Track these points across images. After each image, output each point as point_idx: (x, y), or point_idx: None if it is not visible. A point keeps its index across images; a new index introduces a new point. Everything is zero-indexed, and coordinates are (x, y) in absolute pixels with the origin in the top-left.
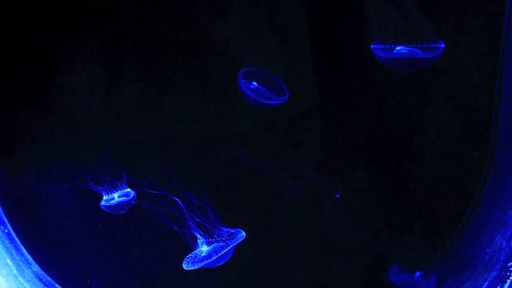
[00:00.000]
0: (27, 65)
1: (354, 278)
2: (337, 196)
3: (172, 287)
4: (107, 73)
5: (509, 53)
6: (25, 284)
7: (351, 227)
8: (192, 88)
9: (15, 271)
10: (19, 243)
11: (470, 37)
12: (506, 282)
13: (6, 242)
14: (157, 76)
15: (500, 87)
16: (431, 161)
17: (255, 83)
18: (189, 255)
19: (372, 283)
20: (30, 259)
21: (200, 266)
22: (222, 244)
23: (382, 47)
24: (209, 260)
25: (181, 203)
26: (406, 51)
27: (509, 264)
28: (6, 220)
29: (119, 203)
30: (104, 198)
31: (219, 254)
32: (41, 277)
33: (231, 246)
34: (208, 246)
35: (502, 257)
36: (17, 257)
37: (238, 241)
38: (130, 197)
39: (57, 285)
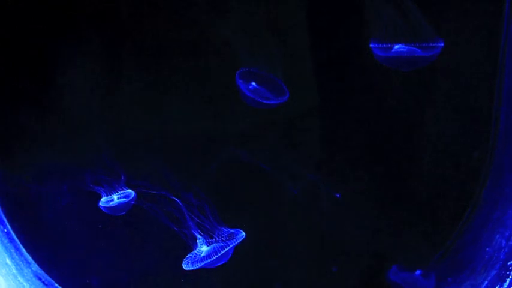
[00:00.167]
0: (27, 65)
1: (354, 277)
2: (337, 196)
3: (171, 287)
4: (106, 73)
5: (508, 52)
6: (24, 284)
7: (351, 227)
8: (192, 88)
9: (14, 270)
10: (18, 242)
11: (469, 36)
12: (505, 281)
13: (6, 241)
14: (157, 76)
15: (499, 86)
16: (431, 160)
17: (253, 83)
18: (189, 255)
19: (371, 283)
20: (30, 258)
21: (200, 266)
22: (222, 244)
23: (381, 45)
24: (209, 260)
25: (181, 203)
26: (405, 49)
27: (508, 263)
28: (5, 219)
29: (119, 204)
30: (103, 199)
31: (219, 254)
32: (40, 277)
33: (230, 246)
34: (208, 246)
35: (501, 256)
36: (16, 257)
37: (238, 241)
38: (129, 198)
39: (56, 284)
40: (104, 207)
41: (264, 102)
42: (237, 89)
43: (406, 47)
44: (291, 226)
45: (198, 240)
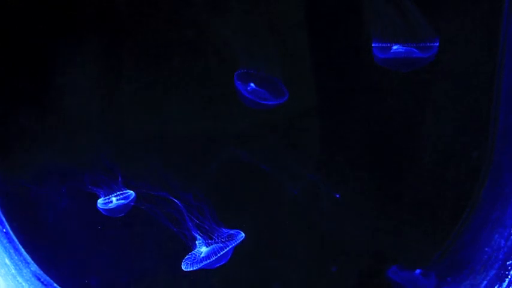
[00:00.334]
0: (26, 65)
1: (354, 277)
2: (337, 196)
3: (171, 287)
4: (106, 73)
5: (507, 52)
6: (23, 284)
7: (351, 227)
8: (192, 88)
9: (13, 271)
10: (17, 242)
11: (469, 36)
12: (504, 281)
13: (5, 241)
14: (157, 76)
15: (499, 86)
16: (430, 160)
17: (252, 84)
18: (188, 256)
19: (371, 283)
20: (29, 258)
21: (199, 266)
22: (221, 245)
23: (379, 45)
24: (208, 261)
25: (180, 204)
26: (403, 50)
27: (507, 263)
28: (4, 219)
29: (117, 206)
30: (102, 201)
31: (218, 255)
32: (40, 277)
33: (230, 247)
34: (207, 247)
35: (500, 256)
36: (16, 257)
37: (237, 242)
38: (128, 200)
39: (55, 284)
40: (103, 209)
41: (263, 103)
42: (236, 90)
43: (404, 47)
44: (291, 226)
45: (197, 241)
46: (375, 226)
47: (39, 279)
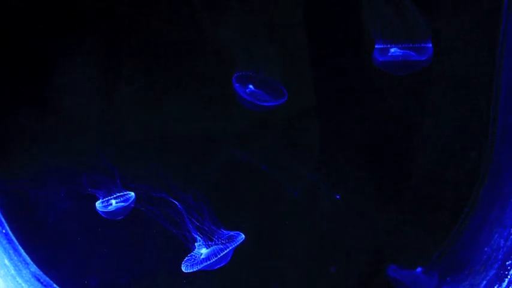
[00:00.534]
0: (26, 65)
1: (354, 277)
2: (337, 197)
3: None
4: (106, 74)
5: (506, 52)
6: (23, 285)
7: (351, 227)
8: (191, 89)
9: (13, 271)
10: (17, 243)
11: (468, 36)
12: (504, 281)
13: (4, 242)
14: (157, 76)
15: (498, 86)
16: (429, 160)
17: (251, 86)
18: (188, 257)
19: (371, 283)
20: (28, 259)
21: (199, 268)
22: (221, 246)
23: (378, 47)
24: (208, 262)
25: (180, 206)
26: (400, 53)
27: (507, 263)
28: (4, 220)
29: (117, 209)
30: (101, 204)
31: (218, 256)
32: (39, 277)
33: (230, 248)
34: (207, 248)
35: (500, 256)
36: (15, 257)
37: (237, 243)
38: (128, 203)
39: (55, 285)
40: (102, 212)
41: (262, 104)
42: (235, 92)
43: (402, 50)
44: (291, 226)
45: (197, 243)
46: (375, 226)
47: (38, 280)
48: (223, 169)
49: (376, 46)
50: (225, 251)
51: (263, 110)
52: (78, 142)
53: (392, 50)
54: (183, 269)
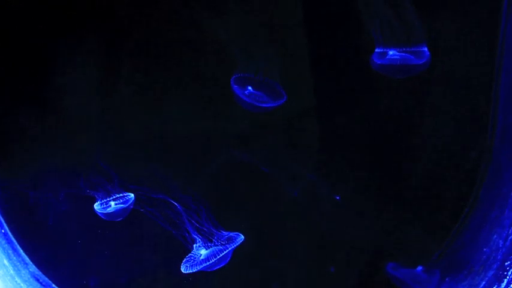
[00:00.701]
0: (25, 65)
1: (354, 277)
2: (337, 198)
3: None
4: (106, 73)
5: (506, 53)
6: (22, 285)
7: (350, 227)
8: (191, 89)
9: (12, 271)
10: (16, 243)
11: (467, 37)
12: (503, 281)
13: (3, 242)
14: (157, 77)
15: (497, 86)
16: (428, 161)
17: (250, 87)
18: (188, 258)
19: (371, 283)
20: (27, 259)
21: (198, 269)
22: (221, 247)
23: (377, 50)
24: (207, 263)
25: (179, 207)
26: (398, 57)
27: (506, 263)
28: (3, 220)
29: (116, 211)
30: (99, 206)
31: (218, 257)
32: (38, 277)
33: (229, 249)
34: (206, 249)
35: (499, 256)
36: (14, 258)
37: (237, 244)
38: (127, 204)
39: (54, 285)
40: (102, 213)
41: (261, 106)
42: (234, 93)
43: (400, 54)
44: (291, 227)
45: (196, 244)
46: (375, 226)
47: (37, 280)
48: (223, 169)
49: (375, 49)
50: (225, 252)
51: (262, 111)
52: (78, 142)
53: (390, 53)
54: (183, 269)
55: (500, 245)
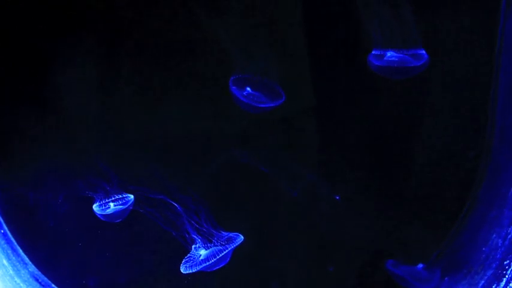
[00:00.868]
0: (25, 65)
1: (353, 277)
2: (337, 198)
3: None
4: (105, 74)
5: (504, 52)
6: (21, 285)
7: (349, 227)
8: (191, 89)
9: (11, 271)
10: (15, 243)
11: (466, 37)
12: (502, 280)
13: (2, 242)
14: (156, 77)
15: (496, 86)
16: (428, 160)
17: (248, 88)
18: (187, 258)
19: (370, 282)
20: (27, 259)
21: (198, 269)
22: (220, 248)
23: (375, 53)
24: (207, 263)
25: (179, 207)
26: (396, 59)
27: (505, 262)
28: (2, 220)
29: (115, 212)
30: (99, 207)
31: (217, 257)
32: (37, 277)
33: (228, 249)
34: (206, 250)
35: (498, 256)
36: (13, 258)
37: (236, 245)
38: (126, 206)
39: (53, 285)
40: (101, 215)
41: (260, 106)
42: (232, 95)
43: (398, 55)
44: (291, 227)
45: (196, 244)
46: (374, 226)
47: (37, 280)
48: (223, 169)
49: (372, 51)
50: (224, 252)
51: (261, 112)
52: (78, 142)
53: (388, 54)
54: (182, 270)
55: (499, 244)
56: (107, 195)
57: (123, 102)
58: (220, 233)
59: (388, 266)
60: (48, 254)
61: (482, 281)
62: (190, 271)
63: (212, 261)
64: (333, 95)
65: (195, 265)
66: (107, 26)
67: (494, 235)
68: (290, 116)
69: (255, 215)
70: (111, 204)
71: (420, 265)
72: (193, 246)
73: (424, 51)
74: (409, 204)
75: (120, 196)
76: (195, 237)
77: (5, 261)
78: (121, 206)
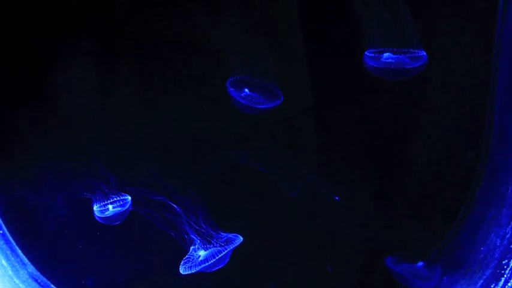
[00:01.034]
0: (25, 65)
1: (353, 277)
2: (337, 198)
3: None
4: (105, 74)
5: (502, 53)
6: (20, 285)
7: (348, 227)
8: (190, 89)
9: (10, 272)
10: (14, 244)
11: (464, 37)
12: (500, 280)
13: (1, 243)
14: (155, 77)
15: (494, 86)
16: (426, 160)
17: (246, 90)
18: (186, 259)
19: (370, 282)
20: (26, 260)
21: (197, 269)
22: (219, 249)
23: (372, 55)
24: (206, 264)
25: (178, 208)
26: (393, 60)
27: (503, 262)
28: (1, 221)
29: (114, 214)
30: (99, 208)
31: (216, 258)
32: (36, 278)
33: (228, 250)
34: (205, 250)
35: (496, 255)
36: (12, 258)
37: (235, 245)
38: (125, 208)
39: (52, 285)
40: (99, 217)
41: (258, 107)
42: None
43: (395, 56)
44: (290, 227)
45: (195, 245)
46: (373, 226)
47: (36, 281)
48: (222, 170)
49: (369, 51)
50: (223, 253)
51: (259, 113)
52: (77, 142)
53: (385, 55)
54: (181, 271)
55: (498, 244)
56: (106, 196)
57: (122, 102)
58: (219, 233)
59: (388, 263)
60: (47, 254)
61: (481, 281)
62: (190, 272)
63: (211, 262)
64: (333, 95)
65: (194, 266)
66: (106, 26)
67: (492, 235)
68: (289, 117)
69: (254, 216)
70: (110, 206)
71: (420, 263)
72: (192, 247)
73: (421, 53)
74: (408, 204)
75: (118, 198)
76: (194, 238)
77: (4, 262)
78: (119, 208)
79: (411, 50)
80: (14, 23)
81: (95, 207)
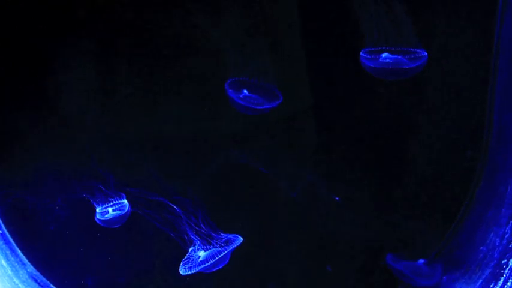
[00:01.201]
0: (25, 65)
1: (353, 277)
2: (337, 199)
3: None
4: (104, 74)
5: (501, 53)
6: (20, 285)
7: (348, 227)
8: (189, 90)
9: (9, 272)
10: (14, 244)
11: (463, 37)
12: (499, 279)
13: (1, 243)
14: (155, 78)
15: (493, 86)
16: (425, 160)
17: (245, 91)
18: (186, 259)
19: (370, 281)
20: (25, 260)
21: (197, 270)
22: (219, 249)
23: (369, 56)
24: (206, 265)
25: (178, 209)
26: (391, 60)
27: (502, 261)
28: (1, 221)
29: (114, 217)
30: (98, 210)
31: (216, 259)
32: (36, 278)
33: (227, 250)
34: (205, 251)
35: (495, 255)
36: (12, 258)
37: (235, 246)
38: (124, 211)
39: (52, 286)
40: (99, 220)
41: (257, 108)
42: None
43: (393, 56)
44: (290, 227)
45: (195, 245)
46: (372, 226)
47: (35, 281)
48: (222, 170)
49: (366, 51)
50: (223, 254)
51: (258, 113)
52: (76, 143)
53: (383, 55)
54: (181, 271)
55: (497, 244)
56: (106, 197)
57: (122, 103)
58: (219, 234)
59: (389, 260)
60: (46, 254)
61: (480, 280)
62: (190, 272)
63: (211, 262)
64: (332, 95)
65: (194, 266)
66: (106, 26)
67: (492, 234)
68: (289, 117)
69: (254, 216)
70: (110, 209)
71: (421, 260)
72: (192, 248)
73: (420, 53)
74: (407, 204)
75: (118, 200)
76: (194, 238)
77: (3, 262)
78: (119, 212)
79: (409, 50)
80: (14, 23)
81: (97, 209)
